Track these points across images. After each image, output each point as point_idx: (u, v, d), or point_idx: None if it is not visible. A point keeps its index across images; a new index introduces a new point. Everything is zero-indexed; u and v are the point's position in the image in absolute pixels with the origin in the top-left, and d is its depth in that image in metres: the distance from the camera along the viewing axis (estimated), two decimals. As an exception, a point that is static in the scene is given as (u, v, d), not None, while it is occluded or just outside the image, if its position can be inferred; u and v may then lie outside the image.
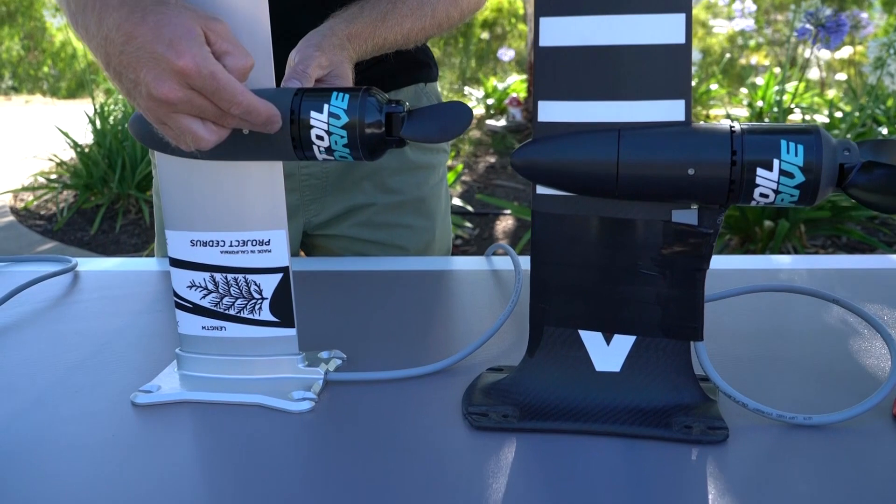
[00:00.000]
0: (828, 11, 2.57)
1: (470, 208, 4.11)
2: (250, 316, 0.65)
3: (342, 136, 0.58)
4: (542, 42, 0.55)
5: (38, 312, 0.85)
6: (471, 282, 0.92)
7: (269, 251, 0.64)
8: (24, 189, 4.60)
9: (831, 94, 7.57)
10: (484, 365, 0.68)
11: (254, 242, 0.63)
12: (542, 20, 0.55)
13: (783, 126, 0.53)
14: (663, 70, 0.54)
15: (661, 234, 0.56)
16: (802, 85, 5.02)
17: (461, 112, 0.58)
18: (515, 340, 0.73)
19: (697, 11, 10.08)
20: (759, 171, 0.52)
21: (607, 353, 0.59)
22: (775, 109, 5.16)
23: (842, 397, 0.60)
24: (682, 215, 0.56)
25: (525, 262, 0.88)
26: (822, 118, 4.71)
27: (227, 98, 0.54)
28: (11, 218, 4.10)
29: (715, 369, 0.58)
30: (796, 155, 0.52)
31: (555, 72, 0.55)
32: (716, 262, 0.88)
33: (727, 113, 6.14)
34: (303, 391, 0.63)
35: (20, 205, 4.42)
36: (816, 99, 6.72)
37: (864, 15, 3.65)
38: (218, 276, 0.65)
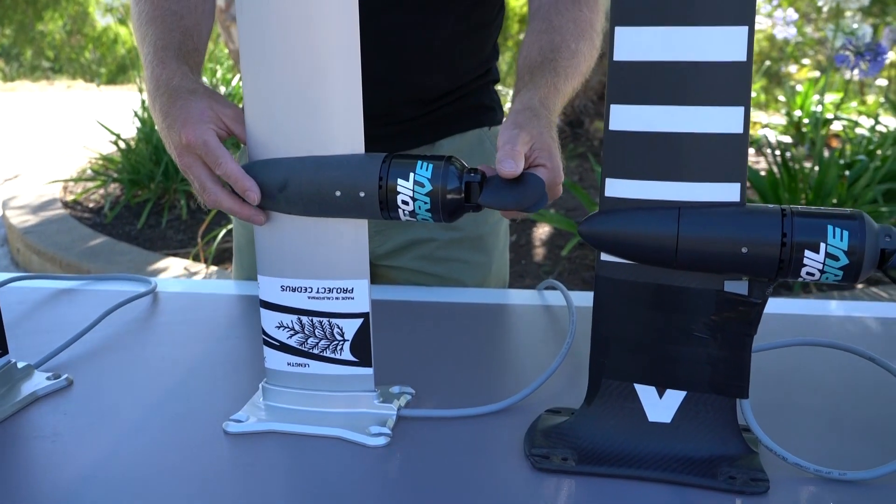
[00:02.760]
0: (868, 38, 2.58)
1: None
2: (332, 355, 0.72)
3: (426, 202, 0.64)
4: (612, 126, 0.61)
5: (125, 336, 0.92)
6: (525, 316, 0.98)
7: (353, 298, 0.70)
8: (73, 180, 4.73)
9: (870, 99, 7.49)
10: (541, 403, 0.74)
11: (339, 290, 0.70)
12: (613, 107, 0.60)
13: (830, 211, 0.59)
14: (721, 156, 0.59)
15: (713, 301, 0.62)
16: (841, 94, 5.00)
17: (536, 186, 0.64)
18: (570, 379, 0.79)
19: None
20: (807, 252, 0.58)
21: (659, 405, 0.65)
22: (809, 120, 5.15)
23: (877, 453, 0.66)
24: (734, 286, 0.61)
25: (576, 297, 0.94)
26: (862, 131, 4.69)
27: (213, 160, 0.72)
28: (63, 211, 4.23)
29: (756, 420, 0.64)
30: (841, 239, 0.57)
31: (622, 153, 0.61)
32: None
33: (767, 123, 6.11)
34: (379, 426, 0.70)
35: (69, 197, 4.55)
36: (858, 106, 6.67)
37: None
38: (304, 319, 0.71)
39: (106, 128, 4.53)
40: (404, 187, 0.64)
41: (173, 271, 3.38)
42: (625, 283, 0.63)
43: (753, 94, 6.83)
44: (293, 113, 0.67)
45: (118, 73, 12.97)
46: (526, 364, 0.85)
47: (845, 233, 0.57)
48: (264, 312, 0.73)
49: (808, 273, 0.58)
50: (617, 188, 0.62)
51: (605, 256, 0.63)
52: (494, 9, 1.06)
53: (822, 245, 0.57)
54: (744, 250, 0.59)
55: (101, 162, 4.74)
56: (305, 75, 0.66)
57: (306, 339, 0.72)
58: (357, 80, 0.65)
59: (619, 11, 0.59)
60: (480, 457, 0.66)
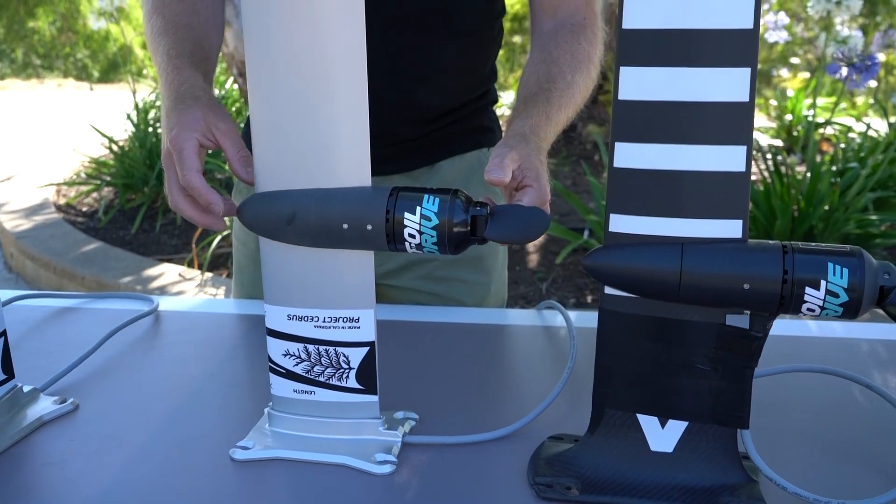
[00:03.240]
0: (859, 47, 2.61)
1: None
2: (338, 383, 0.73)
3: (432, 236, 0.65)
4: (616, 163, 0.62)
5: (129, 357, 0.92)
6: (525, 338, 0.99)
7: (359, 327, 0.71)
8: (66, 183, 4.72)
9: (860, 100, 7.54)
10: (544, 428, 0.75)
11: (345, 319, 0.71)
12: (617, 144, 0.61)
13: (831, 248, 0.60)
14: (724, 193, 0.60)
15: (715, 335, 0.63)
16: (833, 98, 5.04)
17: (540, 218, 0.65)
18: (572, 403, 0.80)
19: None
20: (808, 289, 0.59)
21: (662, 435, 0.66)
22: (801, 125, 5.18)
23: (875, 481, 0.67)
24: (736, 319, 0.62)
25: (575, 318, 0.95)
26: (853, 136, 4.73)
27: (182, 169, 0.76)
28: (56, 215, 4.21)
29: (756, 448, 0.65)
30: (842, 277, 0.58)
31: (626, 190, 0.62)
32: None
33: (758, 126, 6.12)
34: (384, 454, 0.70)
35: (62, 200, 4.54)
36: (848, 108, 6.71)
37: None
38: (311, 347, 0.72)
39: (99, 132, 4.53)
40: (411, 221, 0.65)
41: (168, 277, 3.37)
42: (628, 315, 0.64)
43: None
44: (301, 145, 0.68)
45: (110, 71, 12.91)
46: (527, 387, 0.86)
47: (845, 270, 0.58)
48: (271, 340, 0.73)
49: (808, 309, 0.60)
50: (621, 224, 0.63)
51: (609, 290, 0.64)
52: (493, 31, 1.08)
53: (823, 282, 0.59)
54: (746, 286, 0.60)
55: (94, 165, 4.73)
56: (313, 108, 0.67)
57: (312, 367, 0.73)
58: (364, 114, 0.66)
59: (625, 52, 0.60)
60: (485, 484, 0.67)
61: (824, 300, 0.59)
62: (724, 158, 0.60)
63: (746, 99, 0.58)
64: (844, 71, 2.63)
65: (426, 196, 0.66)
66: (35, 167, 5.53)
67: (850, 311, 0.59)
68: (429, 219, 0.65)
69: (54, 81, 13.67)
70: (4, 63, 14.32)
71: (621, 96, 0.61)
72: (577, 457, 0.68)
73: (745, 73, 0.58)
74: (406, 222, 0.65)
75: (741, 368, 0.63)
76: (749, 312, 0.62)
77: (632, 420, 0.66)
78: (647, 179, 0.61)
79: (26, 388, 0.80)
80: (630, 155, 0.61)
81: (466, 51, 1.06)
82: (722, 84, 0.58)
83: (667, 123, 0.60)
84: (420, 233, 0.65)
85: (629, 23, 0.59)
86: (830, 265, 0.59)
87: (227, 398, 0.83)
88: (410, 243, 0.66)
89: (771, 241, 0.61)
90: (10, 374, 0.79)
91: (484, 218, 0.66)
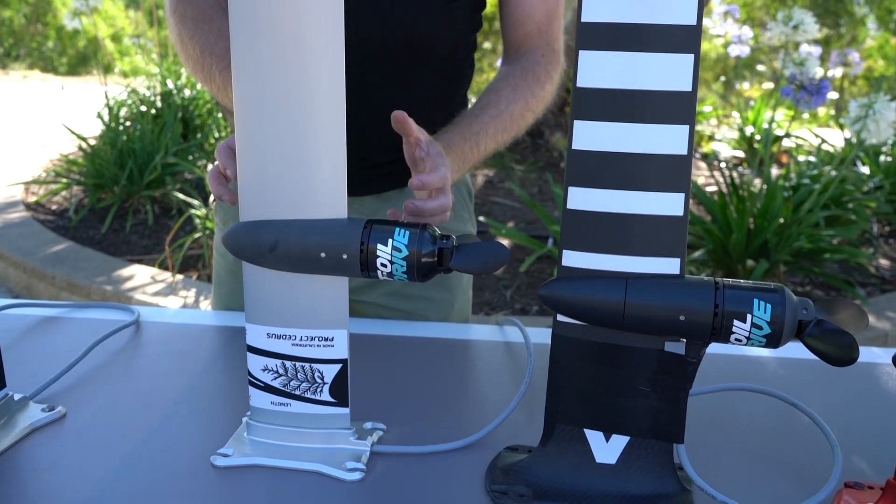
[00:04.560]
0: (812, 72, 2.73)
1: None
2: (312, 396, 0.79)
3: (402, 265, 0.72)
4: (570, 205, 0.69)
5: (113, 366, 0.98)
6: (486, 352, 1.06)
7: (332, 346, 0.77)
8: (36, 182, 4.70)
9: (822, 111, 7.74)
10: (501, 438, 0.82)
11: (320, 339, 0.77)
12: (571, 189, 0.68)
13: (756, 285, 0.67)
14: (664, 234, 0.68)
15: (655, 359, 0.70)
16: (791, 112, 5.18)
17: (500, 252, 0.72)
18: (528, 416, 0.87)
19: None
20: (736, 321, 0.66)
21: (606, 448, 0.73)
22: (760, 137, 5.32)
23: (793, 491, 0.75)
24: (673, 346, 0.70)
25: (533, 335, 1.02)
26: (811, 149, 4.87)
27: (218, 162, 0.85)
28: (25, 213, 4.21)
29: (689, 461, 0.73)
30: (765, 311, 0.66)
31: (579, 229, 0.69)
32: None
33: (721, 137, 6.27)
34: (354, 461, 0.77)
35: (31, 198, 4.53)
36: (810, 119, 6.89)
37: (856, 54, 3.78)
38: (288, 364, 0.78)
39: (71, 131, 4.53)
40: (383, 251, 0.72)
41: (140, 279, 3.40)
42: (578, 340, 0.72)
43: (709, 109, 6.99)
44: (283, 180, 0.74)
45: (78, 65, 12.78)
46: (487, 400, 0.92)
47: (768, 305, 0.66)
48: (251, 356, 0.79)
49: (736, 339, 0.67)
50: (573, 259, 0.70)
51: (560, 318, 0.71)
52: (465, 65, 1.15)
53: (749, 315, 0.66)
54: (682, 317, 0.67)
55: (63, 164, 4.72)
56: (295, 146, 0.73)
57: (289, 382, 0.79)
58: (342, 153, 0.72)
59: (579, 108, 0.67)
60: (446, 491, 0.74)
61: (750, 331, 0.66)
62: (664, 204, 0.67)
63: (685, 152, 0.66)
64: (796, 93, 2.75)
65: (397, 229, 0.72)
66: (2, 163, 5.49)
67: (773, 341, 0.67)
68: (399, 250, 0.71)
69: (19, 73, 13.48)
70: (-31, 53, 14.08)
71: (575, 146, 0.68)
72: (530, 467, 0.75)
73: (684, 129, 0.65)
74: (379, 252, 0.72)
75: (677, 390, 0.71)
76: (685, 340, 0.69)
77: (579, 434, 0.74)
78: (596, 220, 0.68)
79: (17, 397, 0.85)
80: (582, 198, 0.68)
81: (440, 85, 1.13)
82: (663, 138, 0.66)
83: (615, 172, 0.67)
84: (391, 262, 0.72)
85: (582, 82, 0.66)
86: (756, 301, 0.66)
87: (207, 408, 0.89)
88: (382, 271, 0.73)
89: (705, 278, 0.69)
90: (2, 384, 0.84)
91: (450, 250, 0.73)
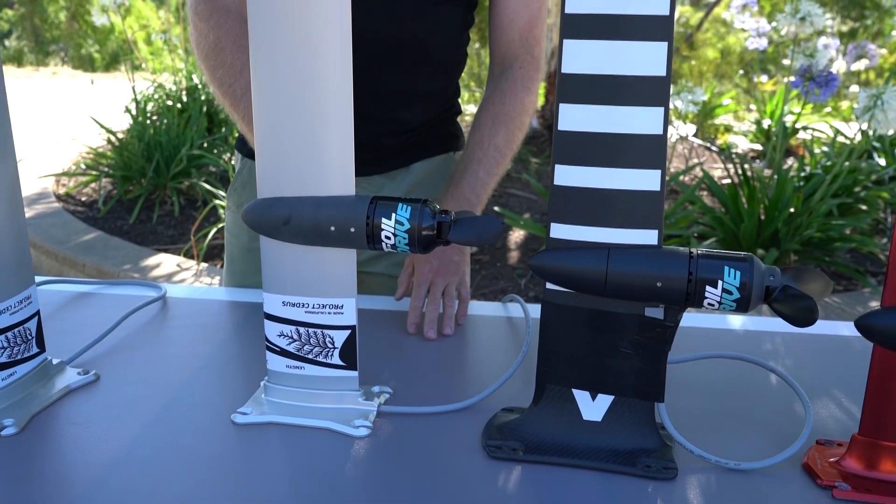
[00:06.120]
0: (822, 64, 2.76)
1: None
2: (324, 360, 0.86)
3: (405, 238, 0.78)
4: (556, 182, 0.75)
5: (142, 336, 1.05)
6: (488, 325, 1.13)
7: (342, 313, 0.84)
8: (66, 174, 4.83)
9: (844, 104, 7.70)
10: (499, 402, 0.88)
11: (331, 306, 0.84)
12: (557, 166, 0.75)
13: (727, 254, 0.73)
14: (643, 208, 0.74)
15: (636, 323, 0.76)
16: (809, 106, 5.19)
17: (494, 225, 0.79)
18: (525, 382, 0.93)
19: (719, 10, 10.22)
20: (708, 287, 0.72)
21: (592, 406, 0.80)
22: (776, 130, 5.32)
23: (767, 447, 0.81)
24: (653, 311, 0.76)
25: (533, 310, 1.08)
26: (827, 141, 4.87)
27: None
28: (56, 204, 4.33)
29: (671, 421, 0.79)
30: (735, 278, 0.72)
31: (565, 203, 0.75)
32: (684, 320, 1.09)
33: (739, 130, 6.27)
34: (362, 419, 0.84)
35: (62, 189, 4.66)
36: (832, 112, 6.86)
37: (872, 46, 3.79)
38: (301, 330, 0.85)
39: (100, 125, 4.64)
40: (387, 225, 0.78)
41: (166, 267, 3.50)
42: (565, 307, 0.78)
43: (728, 102, 6.97)
44: (297, 160, 0.81)
45: (111, 63, 12.97)
46: (488, 368, 0.99)
47: (738, 272, 0.72)
48: (268, 323, 0.87)
49: (708, 303, 0.73)
50: (560, 231, 0.76)
51: (549, 286, 0.78)
52: (459, 58, 1.27)
53: (720, 282, 0.72)
54: (658, 284, 0.73)
55: (92, 156, 4.84)
56: (308, 130, 0.80)
57: (302, 347, 0.86)
58: (350, 134, 0.79)
59: (564, 93, 0.73)
60: (445, 446, 0.81)
61: (721, 296, 0.72)
62: (642, 180, 0.73)
63: (660, 132, 0.72)
64: (805, 84, 2.78)
65: (400, 204, 0.79)
66: (34, 156, 5.63)
67: (742, 305, 0.73)
68: (402, 223, 0.78)
69: (49, 69, 13.67)
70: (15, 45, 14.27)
71: (560, 127, 0.74)
72: (523, 424, 0.81)
73: (660, 111, 0.71)
74: (383, 226, 0.79)
75: (658, 352, 0.77)
76: (663, 306, 0.75)
77: (568, 394, 0.80)
78: (581, 195, 0.75)
79: (55, 361, 0.93)
80: (567, 175, 0.75)
81: (438, 76, 1.25)
82: (641, 119, 0.72)
83: (597, 150, 0.73)
84: (395, 235, 0.79)
85: (567, 68, 0.73)
86: (726, 268, 0.72)
87: (226, 372, 0.96)
88: (386, 243, 0.79)
89: (680, 248, 0.75)
90: (42, 349, 0.91)
91: (448, 224, 0.79)
